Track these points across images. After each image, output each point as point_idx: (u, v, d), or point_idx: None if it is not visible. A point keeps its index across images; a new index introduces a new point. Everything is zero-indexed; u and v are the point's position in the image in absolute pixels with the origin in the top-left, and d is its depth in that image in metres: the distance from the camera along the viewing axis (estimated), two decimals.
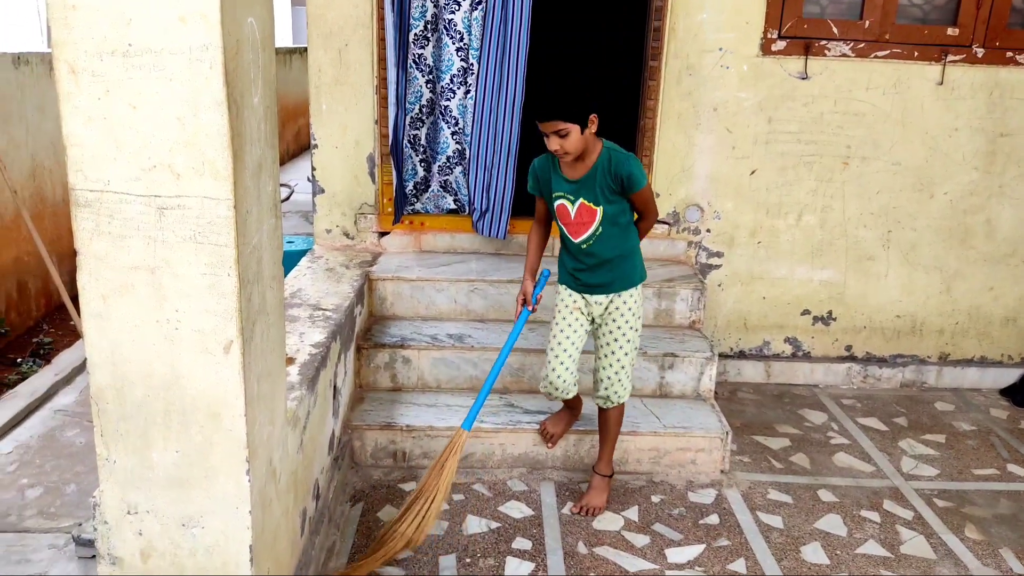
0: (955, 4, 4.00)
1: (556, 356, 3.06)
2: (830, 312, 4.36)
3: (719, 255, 4.26)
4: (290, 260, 4.25)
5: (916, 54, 4.00)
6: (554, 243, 3.57)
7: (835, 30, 3.97)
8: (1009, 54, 4.01)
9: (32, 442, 3.59)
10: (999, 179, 4.19)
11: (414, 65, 3.98)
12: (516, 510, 3.11)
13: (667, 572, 2.80)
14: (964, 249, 4.28)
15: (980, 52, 4.01)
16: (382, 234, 4.20)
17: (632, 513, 3.13)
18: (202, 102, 1.61)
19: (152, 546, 1.90)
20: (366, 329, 3.75)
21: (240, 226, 1.71)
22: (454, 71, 3.99)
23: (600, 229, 2.87)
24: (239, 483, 1.85)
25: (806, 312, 4.35)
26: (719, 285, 4.30)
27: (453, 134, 4.10)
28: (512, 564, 2.80)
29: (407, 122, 4.05)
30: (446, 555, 2.83)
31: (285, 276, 2.84)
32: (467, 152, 4.09)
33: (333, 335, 3.01)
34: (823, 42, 3.97)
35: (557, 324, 3.07)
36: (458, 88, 4.02)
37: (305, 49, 4.78)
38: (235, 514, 1.87)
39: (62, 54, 1.59)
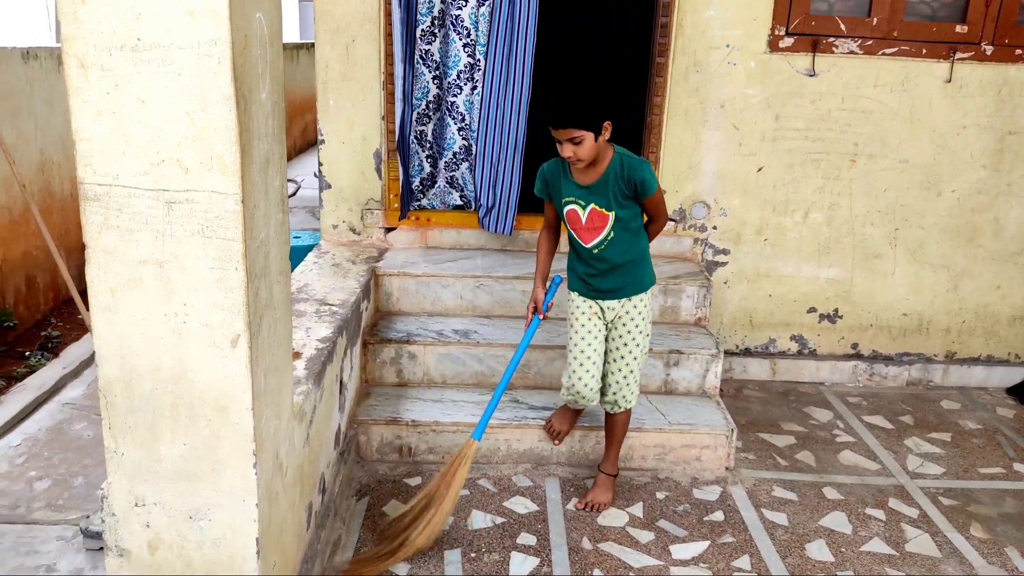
0: (964, 1, 3.98)
1: (581, 364, 3.03)
2: (836, 310, 4.35)
3: (725, 252, 4.26)
4: (297, 255, 4.27)
5: (924, 51, 3.99)
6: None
7: (843, 27, 3.95)
8: (1018, 52, 3.99)
9: (40, 435, 3.61)
10: (1007, 177, 4.18)
11: (421, 61, 3.98)
12: (521, 506, 3.12)
13: (671, 568, 2.80)
14: (972, 247, 4.27)
15: (989, 49, 3.99)
16: (388, 230, 4.21)
17: (637, 509, 3.14)
18: (210, 97, 1.62)
19: (159, 538, 1.91)
20: (372, 324, 3.77)
21: (248, 221, 1.72)
22: (461, 67, 3.99)
23: (612, 234, 2.87)
24: (246, 476, 1.86)
25: (812, 310, 4.35)
26: (725, 282, 4.29)
27: (460, 130, 4.11)
28: (517, 559, 2.81)
29: (414, 118, 4.05)
30: (451, 550, 2.84)
31: (292, 271, 2.85)
32: (473, 148, 4.09)
33: (339, 330, 3.02)
34: (831, 39, 3.96)
35: (577, 332, 3.04)
36: (465, 84, 4.02)
37: (312, 45, 4.80)
38: (242, 507, 1.88)
39: (72, 49, 1.60)
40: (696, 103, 4.04)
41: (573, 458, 3.40)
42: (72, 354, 4.41)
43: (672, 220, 4.18)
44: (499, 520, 3.02)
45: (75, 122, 1.64)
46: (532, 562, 2.80)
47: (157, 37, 1.59)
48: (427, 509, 2.81)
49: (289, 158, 10.11)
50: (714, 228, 4.22)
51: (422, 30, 3.93)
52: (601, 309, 3.01)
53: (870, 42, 3.97)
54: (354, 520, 2.99)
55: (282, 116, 1.97)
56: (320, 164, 4.12)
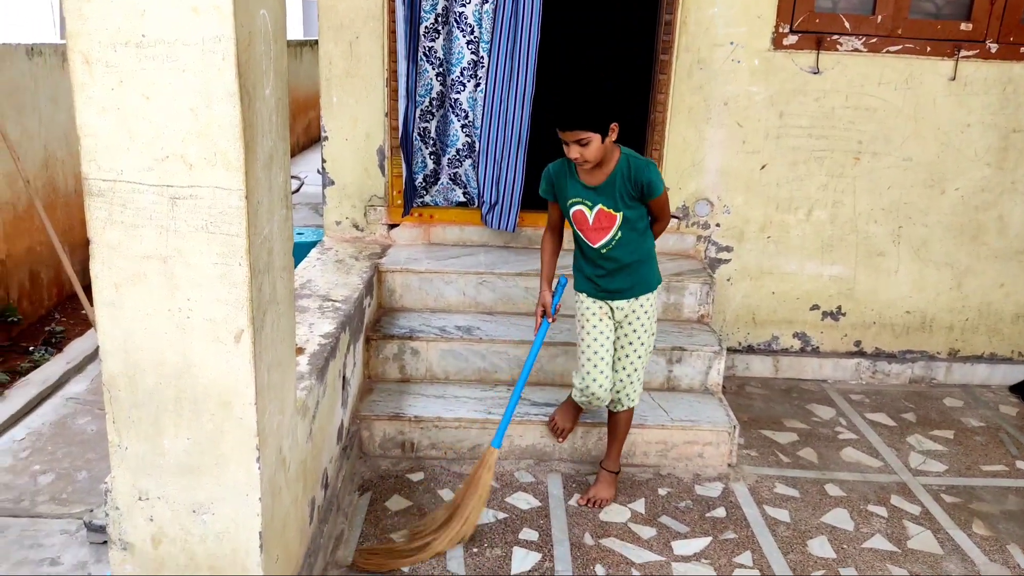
0: None
1: (595, 366, 3.03)
2: (839, 307, 4.35)
3: (728, 249, 4.25)
4: (300, 251, 4.27)
5: (929, 49, 3.98)
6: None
7: (847, 25, 3.95)
8: (1023, 50, 3.98)
9: (44, 429, 3.63)
10: (1011, 175, 4.17)
11: (424, 58, 3.99)
12: (523, 501, 3.13)
13: (673, 564, 2.81)
14: (975, 245, 4.27)
15: (994, 47, 3.98)
16: (391, 226, 4.22)
17: (639, 505, 3.15)
18: (215, 93, 1.63)
19: (163, 532, 1.92)
20: (375, 320, 3.77)
21: (251, 216, 1.73)
22: (464, 64, 3.99)
23: (619, 234, 2.87)
24: (249, 471, 1.87)
25: (815, 307, 4.35)
26: (728, 280, 4.29)
27: (463, 127, 4.11)
28: (519, 554, 2.82)
29: (417, 115, 4.06)
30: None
31: (295, 267, 2.86)
32: (477, 145, 4.09)
33: (342, 326, 3.02)
34: (835, 37, 3.96)
35: (589, 333, 3.03)
36: (468, 81, 4.02)
37: (316, 42, 4.80)
38: (245, 501, 1.89)
39: (76, 45, 1.60)
40: (700, 100, 4.04)
41: (575, 454, 3.40)
42: (76, 349, 4.43)
43: (675, 217, 4.18)
44: (501, 515, 3.03)
45: (80, 118, 1.65)
46: (534, 557, 2.81)
47: (162, 33, 1.60)
48: (452, 517, 2.81)
49: (292, 155, 10.13)
50: (717, 225, 4.22)
51: (426, 27, 3.93)
52: (611, 309, 3.01)
53: (874, 40, 3.96)
54: (356, 515, 3.00)
55: (286, 112, 1.98)
56: (323, 161, 4.13)
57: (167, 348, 1.79)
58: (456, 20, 3.93)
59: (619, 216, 2.84)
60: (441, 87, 4.06)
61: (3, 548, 2.79)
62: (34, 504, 3.06)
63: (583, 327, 3.05)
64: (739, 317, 4.36)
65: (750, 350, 4.39)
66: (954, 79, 4.02)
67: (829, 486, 3.34)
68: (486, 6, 3.88)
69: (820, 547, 2.95)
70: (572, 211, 2.91)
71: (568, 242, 3.10)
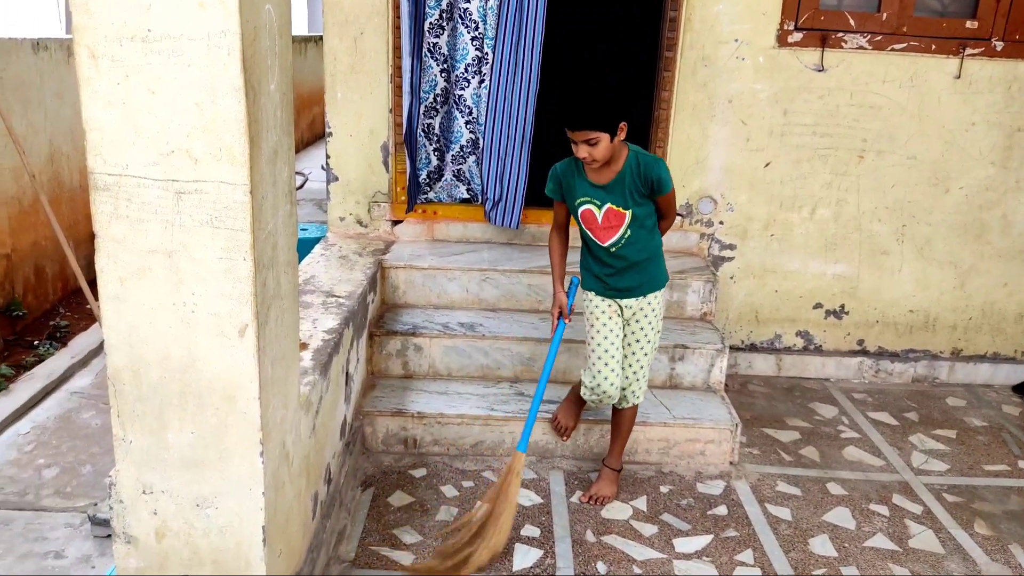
0: None
1: (606, 364, 3.02)
2: (843, 306, 4.35)
3: (732, 247, 4.25)
4: (304, 247, 4.27)
5: (934, 47, 3.97)
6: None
7: (852, 22, 3.94)
8: None
9: (49, 423, 3.64)
10: (1016, 174, 4.16)
11: (429, 54, 3.99)
12: (525, 498, 3.13)
13: (674, 561, 2.81)
14: (979, 244, 4.26)
15: (999, 45, 3.98)
16: (395, 222, 4.22)
17: (641, 503, 3.15)
18: (220, 88, 1.63)
19: (166, 525, 1.93)
20: (378, 316, 3.78)
21: (256, 211, 1.73)
22: (469, 60, 4.00)
23: (628, 232, 2.87)
24: (253, 465, 1.88)
25: (818, 306, 4.35)
26: (731, 277, 4.29)
27: (467, 123, 4.11)
28: (521, 551, 2.82)
29: (421, 111, 4.06)
30: None
31: (299, 263, 2.86)
32: (481, 142, 4.10)
33: (346, 322, 3.03)
34: (840, 34, 3.95)
35: (599, 331, 3.03)
36: (472, 77, 4.03)
37: (320, 37, 4.80)
38: (249, 495, 1.90)
39: (83, 39, 1.61)
40: (704, 98, 4.03)
41: (577, 451, 3.41)
42: (80, 344, 4.44)
43: (678, 215, 4.18)
44: None
45: (85, 112, 1.65)
46: (536, 554, 2.81)
47: (167, 28, 1.60)
48: (485, 527, 2.77)
49: (297, 151, 10.12)
50: (720, 223, 4.22)
51: (430, 23, 3.93)
52: (619, 307, 3.01)
53: (879, 37, 3.96)
54: (359, 510, 3.01)
55: (290, 108, 1.98)
56: (327, 157, 4.13)
57: (172, 342, 1.79)
58: (460, 16, 3.93)
59: (628, 214, 2.84)
60: (445, 83, 4.06)
61: (8, 541, 2.81)
62: (39, 498, 3.07)
63: (592, 325, 3.05)
64: (742, 315, 4.35)
65: (753, 348, 4.39)
66: (959, 77, 4.01)
67: (831, 485, 3.35)
68: (491, 2, 3.88)
69: (821, 546, 2.95)
70: (581, 210, 2.91)
71: (575, 240, 3.10)
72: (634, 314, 3.01)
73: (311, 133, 11.58)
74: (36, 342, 4.48)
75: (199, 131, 1.65)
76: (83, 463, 3.32)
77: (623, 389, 3.08)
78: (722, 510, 3.13)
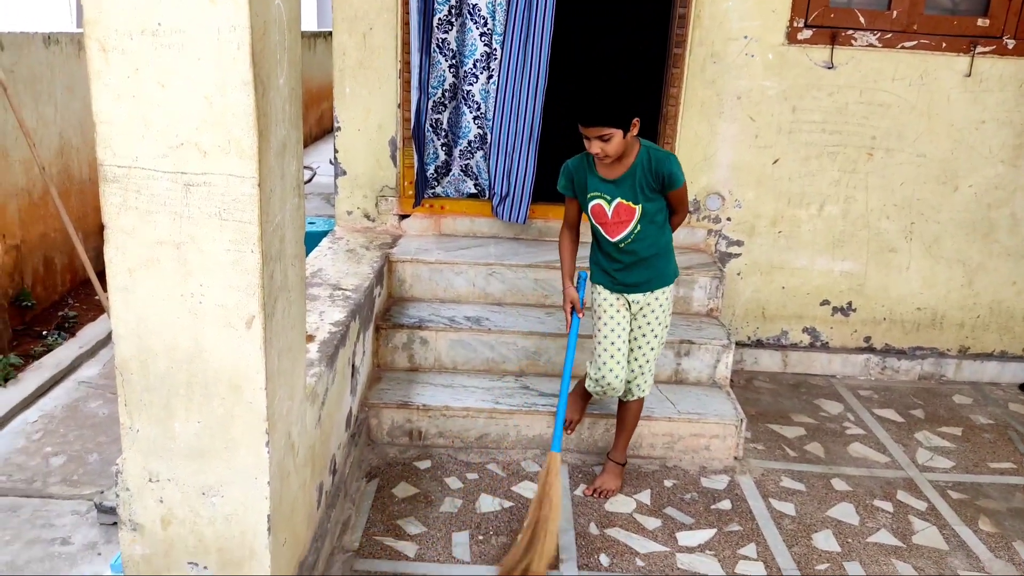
0: None
1: (612, 356, 3.03)
2: (850, 303, 4.34)
3: (739, 244, 4.25)
4: (311, 241, 4.30)
5: (944, 45, 3.96)
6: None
7: (862, 19, 3.93)
8: None
9: (56, 412, 3.67)
10: None
11: (437, 50, 4.00)
12: (529, 490, 3.14)
13: (677, 555, 2.83)
14: (987, 243, 4.25)
15: (1011, 43, 3.96)
16: (402, 217, 4.23)
17: (644, 496, 3.16)
18: (229, 81, 1.64)
19: (172, 514, 1.95)
20: (385, 310, 3.80)
21: (264, 204, 1.75)
22: (477, 56, 4.00)
23: (638, 227, 2.88)
24: (259, 455, 1.90)
25: (825, 302, 4.34)
26: (738, 274, 4.29)
27: (475, 119, 4.12)
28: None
29: (429, 106, 4.07)
30: (459, 532, 2.88)
31: (306, 256, 2.88)
32: (488, 137, 4.10)
33: (352, 314, 3.05)
34: (850, 31, 3.94)
35: (606, 324, 3.04)
36: (481, 73, 4.03)
37: (329, 33, 4.82)
38: (254, 485, 1.92)
39: (93, 32, 1.62)
40: (712, 94, 4.03)
41: (582, 445, 3.42)
42: (88, 334, 4.47)
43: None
44: (507, 504, 3.05)
45: (96, 105, 1.67)
46: None
47: (177, 22, 1.61)
48: (536, 533, 2.70)
49: (305, 145, 10.15)
50: (728, 220, 4.22)
51: (439, 19, 3.94)
52: (627, 302, 3.02)
53: (889, 35, 3.94)
54: (364, 501, 3.03)
55: (299, 102, 2.00)
56: (336, 151, 4.15)
57: (179, 333, 1.81)
58: (469, 12, 3.94)
59: (638, 209, 2.84)
60: (454, 79, 4.07)
61: (16, 527, 2.84)
62: (46, 485, 3.11)
63: (600, 318, 3.06)
64: (748, 311, 4.35)
65: (759, 344, 4.39)
66: (969, 75, 4.00)
67: (835, 481, 3.35)
68: None
69: (825, 541, 2.96)
70: (591, 205, 2.91)
71: (585, 235, 3.11)
72: (641, 309, 3.02)
73: (319, 128, 11.61)
74: (45, 332, 4.52)
75: (208, 124, 1.67)
76: (90, 451, 3.35)
77: (628, 382, 3.09)
78: (726, 505, 3.14)
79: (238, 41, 1.62)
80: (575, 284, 3.07)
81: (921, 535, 3.02)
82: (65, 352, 4.21)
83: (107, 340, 4.35)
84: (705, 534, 2.95)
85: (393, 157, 4.13)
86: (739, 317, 4.36)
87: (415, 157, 4.02)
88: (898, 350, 4.41)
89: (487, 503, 3.05)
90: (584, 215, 3.00)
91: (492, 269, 3.91)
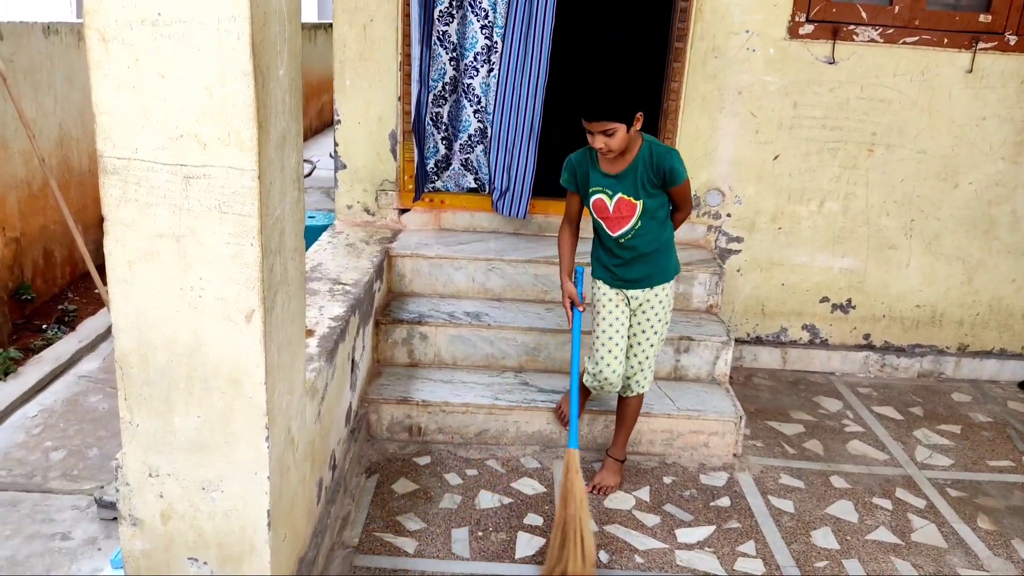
0: None
1: (610, 351, 3.03)
2: (849, 300, 4.34)
3: (739, 240, 4.25)
4: (311, 235, 4.29)
5: (946, 41, 3.95)
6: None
7: (864, 15, 3.92)
8: None
9: (56, 406, 3.66)
10: None
11: (438, 42, 3.98)
12: (528, 487, 3.14)
13: (676, 552, 2.82)
14: (987, 240, 4.24)
15: (1013, 40, 3.95)
16: (402, 211, 4.22)
17: (643, 493, 3.16)
18: (229, 73, 1.63)
19: (172, 508, 1.94)
20: (384, 305, 3.79)
21: (264, 197, 1.74)
22: (478, 49, 3.99)
23: (639, 223, 2.87)
24: (258, 449, 1.89)
25: (825, 299, 4.34)
26: (738, 270, 4.29)
27: (475, 112, 4.11)
28: (523, 539, 2.84)
29: (430, 99, 4.05)
30: (458, 528, 2.87)
31: (306, 250, 2.87)
32: (489, 131, 4.09)
33: (352, 309, 3.04)
34: (851, 27, 3.93)
35: (605, 319, 3.04)
36: (481, 66, 4.02)
37: (330, 25, 4.80)
38: (254, 479, 1.91)
39: (93, 22, 1.61)
40: (713, 89, 4.02)
41: (581, 441, 3.41)
42: (88, 328, 4.46)
43: None
44: (507, 500, 3.05)
45: (95, 95, 1.66)
46: (538, 542, 2.82)
47: (178, 12, 1.60)
48: (567, 535, 2.64)
49: (305, 139, 10.14)
50: (728, 215, 4.21)
51: (440, 11, 3.92)
52: (627, 297, 3.01)
53: (891, 31, 3.93)
54: (363, 497, 3.03)
55: (299, 93, 1.98)
56: (336, 144, 4.13)
57: (179, 326, 1.80)
58: (471, 5, 3.92)
59: (639, 204, 2.83)
60: (454, 72, 4.05)
61: (16, 522, 2.83)
62: (46, 480, 3.10)
63: (599, 313, 3.06)
64: (748, 308, 4.35)
65: (758, 341, 4.39)
66: (971, 72, 3.99)
67: (834, 478, 3.35)
68: None
69: (824, 538, 2.95)
70: (592, 199, 2.90)
71: (586, 230, 3.09)
72: (641, 305, 3.01)
73: (320, 121, 11.59)
74: (44, 326, 4.51)
75: (208, 116, 1.66)
76: (90, 446, 3.34)
77: (628, 378, 3.09)
78: (725, 501, 3.14)
79: (238, 31, 1.61)
80: (573, 279, 3.06)
81: (920, 533, 3.02)
82: (65, 346, 4.20)
83: (107, 334, 4.34)
84: (704, 531, 2.95)
85: (393, 151, 4.12)
86: (739, 314, 4.36)
87: (415, 151, 4.01)
88: (897, 347, 4.40)
89: (486, 499, 3.05)
90: (586, 209, 2.99)
91: (492, 264, 3.90)
